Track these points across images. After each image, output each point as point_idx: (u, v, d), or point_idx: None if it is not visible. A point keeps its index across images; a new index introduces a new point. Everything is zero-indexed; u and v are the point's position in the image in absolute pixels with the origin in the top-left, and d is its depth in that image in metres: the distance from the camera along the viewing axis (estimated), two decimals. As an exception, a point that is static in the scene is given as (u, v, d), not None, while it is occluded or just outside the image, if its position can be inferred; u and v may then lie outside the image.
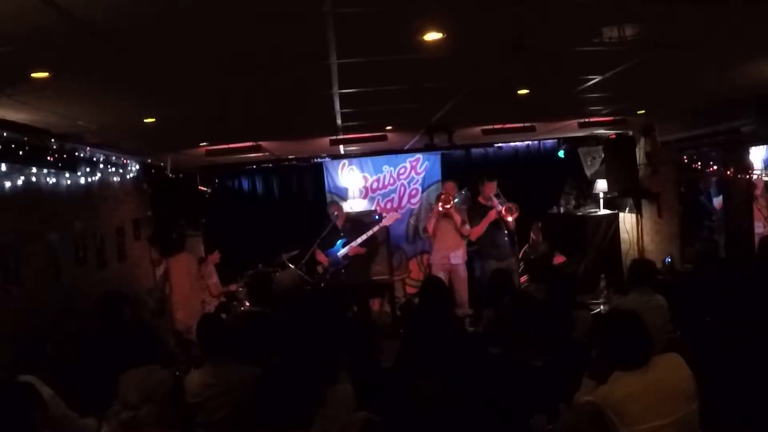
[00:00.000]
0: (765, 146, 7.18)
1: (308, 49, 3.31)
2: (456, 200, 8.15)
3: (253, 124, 6.07)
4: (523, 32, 3.28)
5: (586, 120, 7.29)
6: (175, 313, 7.43)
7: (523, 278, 8.64)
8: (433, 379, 3.64)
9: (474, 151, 9.97)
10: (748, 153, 6.94)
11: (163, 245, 7.92)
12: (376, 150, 9.20)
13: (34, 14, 2.38)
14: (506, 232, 7.90)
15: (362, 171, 9.97)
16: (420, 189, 10.01)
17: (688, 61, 4.22)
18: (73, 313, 5.20)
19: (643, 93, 5.59)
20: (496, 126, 7.30)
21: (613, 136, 8.88)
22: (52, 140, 5.03)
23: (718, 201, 7.77)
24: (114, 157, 6.67)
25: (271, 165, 9.84)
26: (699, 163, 7.44)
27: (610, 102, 6.03)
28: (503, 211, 7.80)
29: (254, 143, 7.27)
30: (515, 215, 7.84)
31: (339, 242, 8.22)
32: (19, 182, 4.73)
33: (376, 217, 8.78)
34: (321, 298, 6.78)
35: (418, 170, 10.01)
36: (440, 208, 7.92)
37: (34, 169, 4.92)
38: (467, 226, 7.97)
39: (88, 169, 5.99)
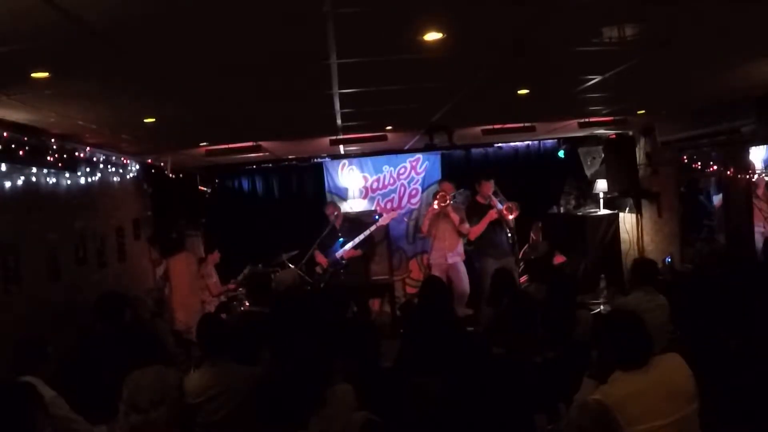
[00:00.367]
0: (765, 146, 7.18)
1: (308, 49, 3.31)
2: (455, 199, 8.15)
3: (253, 124, 6.07)
4: (522, 36, 3.28)
5: (586, 120, 7.30)
6: (175, 313, 7.42)
7: (523, 278, 8.63)
8: (433, 379, 3.64)
9: (474, 151, 9.97)
10: (748, 153, 6.94)
11: (163, 245, 7.92)
12: (376, 150, 9.20)
13: (34, 14, 2.38)
14: (506, 231, 7.90)
15: (362, 171, 9.97)
16: (420, 189, 10.01)
17: (688, 61, 4.23)
18: (73, 313, 5.19)
19: (643, 93, 5.59)
20: (496, 126, 7.30)
21: (613, 136, 8.88)
22: (52, 140, 5.03)
23: (717, 200, 7.77)
24: (114, 157, 6.67)
25: (271, 165, 9.84)
26: (699, 163, 7.44)
27: (610, 102, 6.03)
28: (504, 210, 7.81)
29: (254, 143, 7.28)
30: (516, 214, 7.84)
31: (338, 242, 8.22)
32: (19, 182, 4.73)
33: (376, 217, 8.78)
34: (321, 299, 6.78)
35: (418, 170, 10.01)
36: (436, 206, 7.93)
37: (34, 169, 4.92)
38: (466, 225, 7.97)
39: (88, 169, 5.99)
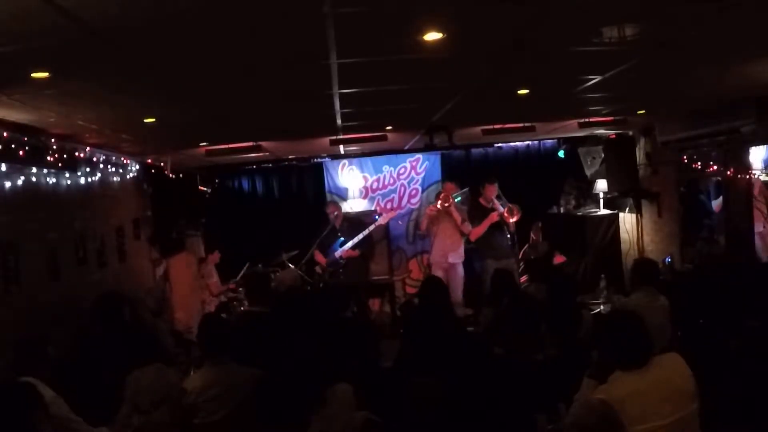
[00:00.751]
0: (765, 146, 7.18)
1: (308, 49, 3.31)
2: (458, 199, 8.16)
3: (253, 124, 6.07)
4: (522, 33, 3.28)
5: (586, 120, 7.29)
6: (175, 313, 7.43)
7: (523, 278, 8.64)
8: (433, 379, 3.64)
9: (474, 151, 9.98)
10: (748, 153, 6.94)
11: (163, 245, 7.92)
12: (376, 150, 9.20)
13: (34, 14, 2.38)
14: (507, 233, 7.92)
15: (362, 171, 9.97)
16: (420, 189, 10.00)
17: (688, 61, 4.23)
18: (73, 313, 5.19)
19: (643, 93, 5.59)
20: (496, 126, 7.30)
21: (613, 136, 8.88)
22: (52, 140, 5.03)
23: (717, 203, 7.77)
24: (114, 157, 6.67)
25: (271, 165, 9.84)
26: (699, 163, 7.44)
27: (610, 102, 6.03)
28: (505, 213, 7.82)
29: (254, 143, 7.28)
30: (517, 217, 7.86)
31: (337, 243, 8.22)
32: (19, 182, 4.73)
33: (376, 217, 8.78)
34: (320, 298, 6.78)
35: (418, 170, 10.01)
36: (439, 206, 7.94)
37: (34, 169, 4.92)
38: (468, 224, 7.99)
39: (88, 169, 5.99)
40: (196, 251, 8.50)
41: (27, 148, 4.57)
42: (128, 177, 7.13)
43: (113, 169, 6.68)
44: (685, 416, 2.82)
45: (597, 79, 4.63)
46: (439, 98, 5.24)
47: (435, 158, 9.94)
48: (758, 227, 7.19)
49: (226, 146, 7.13)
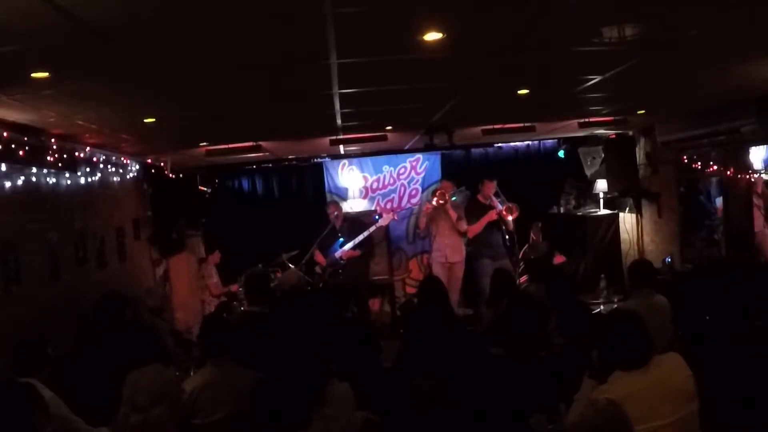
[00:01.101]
0: (765, 146, 7.18)
1: (308, 49, 3.31)
2: (455, 198, 8.16)
3: (253, 124, 6.07)
4: (522, 33, 3.28)
5: (586, 120, 7.29)
6: (175, 313, 7.44)
7: (523, 278, 8.64)
8: (433, 379, 3.64)
9: (474, 151, 9.97)
10: (748, 153, 6.93)
11: (163, 245, 7.92)
12: (376, 150, 9.20)
13: (34, 14, 2.38)
14: (505, 233, 7.92)
15: (362, 171, 9.97)
16: (420, 189, 10.00)
17: (688, 61, 4.23)
18: (73, 313, 5.19)
19: (643, 93, 5.59)
20: (496, 126, 7.30)
21: (613, 136, 8.88)
22: (52, 140, 5.03)
23: (720, 202, 7.77)
24: (114, 157, 6.67)
25: (271, 165, 9.84)
26: (699, 163, 7.44)
27: (610, 102, 6.03)
28: (503, 211, 7.82)
29: (254, 143, 7.28)
30: (515, 215, 7.86)
31: (338, 242, 8.22)
32: (19, 182, 4.73)
33: (376, 217, 8.78)
34: (320, 299, 6.78)
35: (418, 170, 10.01)
36: (434, 203, 7.94)
37: (34, 169, 4.92)
38: (463, 223, 7.99)
39: (88, 169, 5.99)
40: (197, 251, 8.50)
41: (27, 148, 4.57)
42: (128, 177, 7.13)
43: (113, 169, 6.68)
44: (685, 416, 2.82)
45: (597, 79, 4.63)
46: (439, 98, 5.24)
47: (435, 158, 9.94)
48: (758, 227, 7.19)
49: (226, 146, 7.13)
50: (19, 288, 4.57)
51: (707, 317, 5.10)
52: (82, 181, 5.87)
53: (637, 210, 8.97)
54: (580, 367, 3.25)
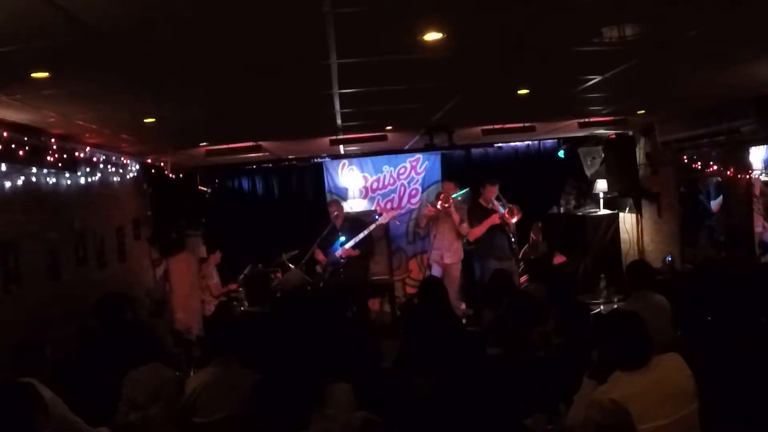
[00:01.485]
0: (765, 146, 7.17)
1: (308, 49, 3.31)
2: (457, 196, 8.16)
3: (253, 124, 6.07)
4: (522, 33, 3.28)
5: (586, 120, 7.29)
6: (175, 313, 7.43)
7: (523, 278, 8.64)
8: (433, 379, 3.64)
9: (474, 151, 9.97)
10: (748, 153, 6.93)
11: (163, 245, 7.92)
12: (376, 150, 9.20)
13: (34, 14, 2.38)
14: (508, 234, 7.94)
15: (362, 171, 9.97)
16: (420, 189, 10.00)
17: (689, 61, 4.23)
18: (73, 313, 5.20)
19: (643, 93, 5.59)
20: (496, 126, 7.30)
21: (613, 136, 8.88)
22: (52, 140, 5.03)
23: (716, 203, 7.77)
24: (114, 157, 6.67)
25: (271, 165, 9.83)
26: (699, 163, 7.44)
27: (610, 102, 6.03)
28: (506, 214, 7.84)
29: (254, 143, 7.28)
30: (518, 217, 7.87)
31: (338, 242, 8.21)
32: (19, 182, 4.73)
33: (376, 217, 8.78)
34: (321, 299, 6.78)
35: (418, 170, 10.01)
36: (438, 206, 7.94)
37: (34, 169, 4.92)
38: (465, 225, 8.00)
39: (88, 169, 5.99)
40: (197, 251, 8.49)
41: (27, 148, 4.57)
42: (128, 177, 7.13)
43: (113, 169, 6.68)
44: (685, 416, 2.82)
45: (597, 79, 4.63)
46: (439, 98, 5.24)
47: (435, 158, 9.94)
48: (758, 227, 7.19)
49: (226, 146, 7.13)
50: (19, 288, 4.57)
51: (707, 317, 5.09)
52: (82, 181, 5.87)
53: (637, 210, 8.97)
54: (580, 367, 3.25)
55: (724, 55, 4.12)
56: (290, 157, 9.61)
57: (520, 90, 4.95)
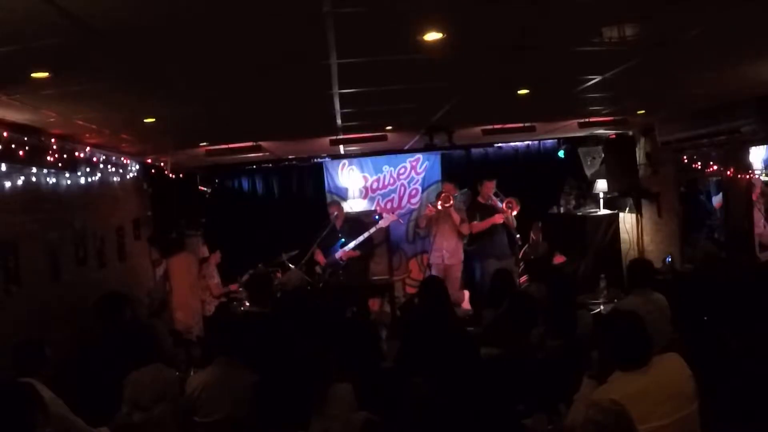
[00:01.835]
0: (765, 146, 7.17)
1: (308, 49, 3.30)
2: (457, 200, 8.17)
3: (253, 124, 6.07)
4: (522, 33, 3.28)
5: (586, 120, 7.29)
6: (175, 313, 7.43)
7: (523, 278, 8.64)
8: (433, 379, 3.64)
9: (474, 151, 9.98)
10: (748, 153, 6.93)
11: (163, 245, 7.92)
12: (376, 150, 9.20)
13: (34, 14, 2.38)
14: (510, 233, 7.97)
15: (362, 171, 9.97)
16: (420, 189, 10.01)
17: (688, 61, 4.22)
18: (73, 313, 5.20)
19: (643, 93, 5.58)
20: (496, 126, 7.30)
21: (613, 136, 8.88)
22: (52, 140, 5.03)
23: (717, 200, 7.77)
24: (114, 157, 6.67)
25: (271, 165, 9.84)
26: (699, 163, 7.43)
27: (610, 102, 6.03)
28: (504, 208, 7.87)
29: (254, 143, 7.28)
30: (516, 209, 7.90)
31: (338, 242, 8.21)
32: (19, 182, 4.73)
33: (376, 217, 8.78)
34: (321, 299, 6.78)
35: (418, 170, 10.01)
36: (439, 206, 7.95)
37: (34, 169, 4.91)
38: (466, 225, 8.01)
39: (88, 169, 5.98)
40: (197, 251, 8.49)
41: (27, 148, 4.57)
42: (128, 177, 7.13)
43: (113, 169, 6.68)
44: (685, 416, 2.82)
45: (597, 79, 4.63)
46: (439, 98, 5.24)
47: (435, 158, 9.94)
48: (758, 227, 7.19)
49: (226, 146, 7.13)
50: (19, 288, 4.57)
51: (707, 317, 5.10)
52: (82, 181, 5.86)
53: (637, 210, 8.97)
54: (580, 367, 3.25)
55: (724, 55, 4.12)
56: (290, 157, 9.61)
57: (520, 90, 4.94)
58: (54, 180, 5.30)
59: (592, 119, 7.27)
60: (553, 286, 5.06)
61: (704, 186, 8.12)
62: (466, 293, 8.75)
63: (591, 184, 9.64)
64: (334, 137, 7.25)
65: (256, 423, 3.39)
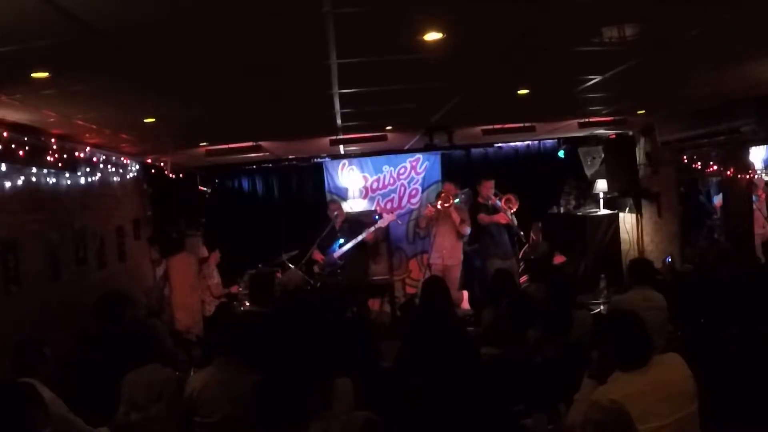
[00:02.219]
0: (765, 146, 7.18)
1: (308, 49, 3.31)
2: (457, 200, 8.17)
3: (253, 124, 6.07)
4: (522, 33, 3.28)
5: (586, 120, 7.29)
6: (175, 313, 7.43)
7: (523, 278, 8.64)
8: (433, 379, 3.64)
9: (474, 151, 9.98)
10: (748, 153, 6.94)
11: (163, 245, 7.92)
12: (376, 150, 9.20)
13: (34, 14, 2.38)
14: (511, 233, 8.00)
15: (362, 171, 9.97)
16: (420, 189, 10.00)
17: (689, 61, 4.23)
18: (72, 313, 5.20)
19: (643, 93, 5.59)
20: (496, 126, 7.30)
21: (613, 136, 8.88)
22: (52, 140, 5.03)
23: (717, 200, 7.78)
24: (114, 157, 6.67)
25: (271, 165, 9.84)
26: (699, 163, 7.44)
27: (610, 102, 6.03)
28: (503, 205, 7.90)
29: (254, 143, 7.28)
30: (515, 206, 7.91)
31: (336, 243, 8.21)
32: (19, 182, 4.73)
33: (376, 217, 8.78)
34: (321, 299, 6.77)
35: (418, 170, 10.01)
36: (439, 206, 7.96)
37: (34, 169, 4.91)
38: (466, 226, 8.01)
39: (88, 169, 5.99)
40: (197, 251, 8.50)
41: (27, 148, 4.57)
42: (128, 177, 7.13)
43: (113, 169, 6.68)
44: (684, 416, 2.82)
45: (597, 79, 4.63)
46: (439, 98, 5.24)
47: (435, 158, 9.94)
48: (758, 227, 7.20)
49: (226, 146, 7.13)
50: (19, 288, 4.57)
51: (707, 317, 5.10)
52: (82, 181, 5.87)
53: (637, 210, 8.97)
54: (580, 367, 3.25)
55: (724, 55, 4.12)
56: (290, 157, 9.61)
57: (520, 90, 4.95)
58: (54, 180, 5.30)
59: (592, 119, 7.27)
60: (553, 286, 5.06)
61: (705, 186, 8.12)
62: (465, 293, 8.76)
63: (591, 184, 9.64)
64: (334, 137, 7.25)
65: (256, 423, 3.39)
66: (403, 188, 10.02)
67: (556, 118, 7.26)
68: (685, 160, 7.64)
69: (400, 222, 9.58)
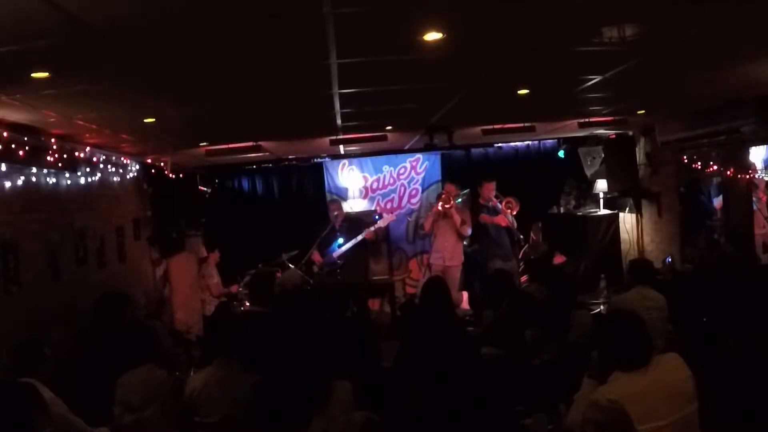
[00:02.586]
0: (765, 146, 7.17)
1: (308, 49, 3.31)
2: (458, 201, 8.18)
3: (253, 124, 6.07)
4: (522, 33, 3.28)
5: (586, 120, 7.29)
6: (175, 313, 7.43)
7: (523, 278, 8.64)
8: (433, 379, 3.64)
9: (474, 151, 9.97)
10: (748, 153, 6.94)
11: (163, 245, 7.92)
12: (376, 150, 9.20)
13: (34, 14, 2.38)
14: (513, 234, 8.00)
15: (362, 171, 9.98)
16: (420, 189, 10.00)
17: (689, 61, 4.22)
18: (72, 313, 5.20)
19: (643, 93, 5.58)
20: (496, 126, 7.30)
21: (613, 136, 8.88)
22: (52, 140, 5.03)
23: (718, 201, 7.78)
24: (114, 157, 6.67)
25: (271, 165, 9.84)
26: (699, 163, 7.44)
27: (610, 102, 6.03)
28: (504, 208, 7.89)
29: (254, 143, 7.28)
30: (516, 209, 7.91)
31: (335, 243, 8.21)
32: (19, 182, 4.73)
33: (376, 217, 8.78)
34: (320, 298, 6.77)
35: (418, 170, 10.02)
36: (440, 208, 7.96)
37: (34, 169, 4.92)
38: (467, 227, 8.02)
39: (88, 169, 5.99)
40: (197, 251, 8.50)
41: (27, 148, 4.57)
42: (128, 177, 7.13)
43: (113, 169, 6.68)
44: (684, 416, 2.82)
45: (597, 79, 4.63)
46: (439, 98, 5.24)
47: (435, 158, 9.94)
48: (758, 227, 7.19)
49: (226, 146, 7.13)
50: (19, 288, 4.57)
51: (707, 317, 5.10)
52: (82, 181, 5.87)
53: (637, 210, 8.97)
54: (580, 367, 3.25)
55: (724, 55, 4.12)
56: (290, 157, 9.62)
57: (520, 90, 4.95)
58: (54, 180, 5.31)
59: (592, 119, 7.27)
60: (553, 286, 5.06)
61: (706, 186, 8.12)
62: (465, 294, 8.76)
63: (591, 184, 9.65)
64: (334, 137, 7.26)
65: (255, 423, 3.38)
66: (403, 188, 10.02)
67: (556, 118, 7.26)
68: (685, 160, 7.64)
69: (408, 219, 9.59)
